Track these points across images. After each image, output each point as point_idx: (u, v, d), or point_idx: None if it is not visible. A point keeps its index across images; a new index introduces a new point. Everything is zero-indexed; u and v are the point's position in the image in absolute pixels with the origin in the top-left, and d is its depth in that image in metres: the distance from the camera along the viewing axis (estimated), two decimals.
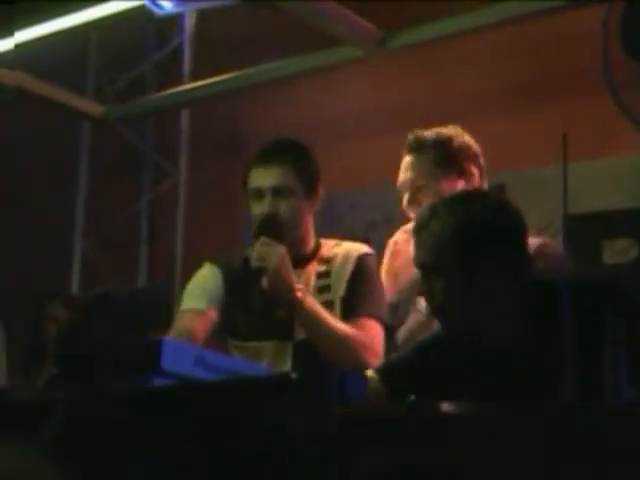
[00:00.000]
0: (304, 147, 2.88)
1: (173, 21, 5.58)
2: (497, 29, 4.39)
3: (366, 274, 2.80)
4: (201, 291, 2.77)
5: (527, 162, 4.37)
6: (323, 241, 2.87)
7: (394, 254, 3.08)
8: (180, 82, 5.50)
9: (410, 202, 2.94)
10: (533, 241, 2.86)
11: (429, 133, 2.93)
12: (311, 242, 2.84)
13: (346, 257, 2.81)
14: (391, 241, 3.13)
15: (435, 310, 2.23)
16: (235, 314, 2.77)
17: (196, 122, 5.59)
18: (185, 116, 5.60)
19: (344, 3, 4.50)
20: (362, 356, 2.66)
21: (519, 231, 2.25)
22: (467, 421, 1.64)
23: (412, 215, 2.88)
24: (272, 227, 2.71)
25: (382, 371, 2.35)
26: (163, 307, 1.94)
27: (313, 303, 2.67)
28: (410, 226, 2.92)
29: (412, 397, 2.42)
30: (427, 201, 2.76)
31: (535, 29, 4.40)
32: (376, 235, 4.84)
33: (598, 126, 4.15)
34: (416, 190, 2.92)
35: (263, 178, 2.78)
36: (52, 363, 1.88)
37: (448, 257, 2.13)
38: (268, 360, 2.69)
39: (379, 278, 2.88)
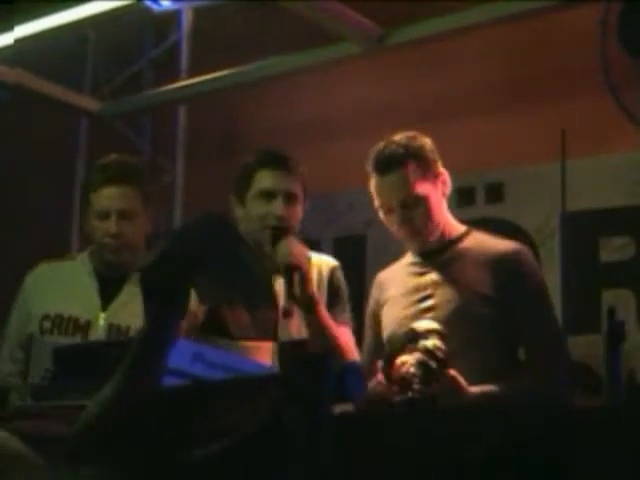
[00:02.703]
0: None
1: (170, 18, 5.57)
2: (495, 26, 4.39)
3: (340, 286, 2.96)
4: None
5: (525, 159, 4.36)
6: None
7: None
8: (177, 79, 5.49)
9: (403, 220, 2.78)
10: (508, 244, 2.81)
11: (396, 147, 2.80)
12: None
13: (319, 272, 2.92)
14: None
15: None
16: (222, 313, 2.79)
17: (193, 119, 5.59)
18: (182, 113, 5.60)
19: (343, 1, 4.50)
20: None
21: None
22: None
23: (406, 234, 2.81)
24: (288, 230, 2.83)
25: None
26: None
27: (323, 308, 2.79)
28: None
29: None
30: (419, 216, 2.75)
31: (533, 26, 4.40)
32: (374, 233, 4.85)
33: (596, 123, 4.15)
34: (405, 207, 2.77)
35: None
36: None
37: None
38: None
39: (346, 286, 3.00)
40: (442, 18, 4.45)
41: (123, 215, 3.16)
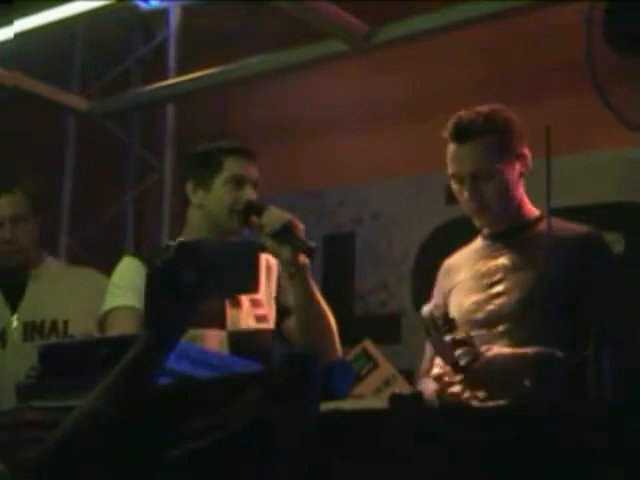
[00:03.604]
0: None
1: (159, 16, 5.56)
2: (481, 24, 4.39)
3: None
4: (130, 286, 2.76)
5: None
6: None
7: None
8: (165, 77, 5.48)
9: (472, 192, 2.69)
10: (583, 228, 2.71)
11: (476, 117, 2.69)
12: None
13: (268, 264, 2.91)
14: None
15: None
16: None
17: (181, 117, 5.58)
18: (170, 111, 5.59)
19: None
20: (338, 343, 2.77)
21: None
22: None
23: (473, 208, 2.72)
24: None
25: None
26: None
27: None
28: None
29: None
30: (490, 190, 2.68)
31: (518, 24, 4.40)
32: (362, 231, 4.85)
33: (583, 120, 4.16)
34: (476, 179, 2.69)
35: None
36: None
37: None
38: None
39: None
40: (429, 16, 4.45)
41: (15, 220, 3.36)
